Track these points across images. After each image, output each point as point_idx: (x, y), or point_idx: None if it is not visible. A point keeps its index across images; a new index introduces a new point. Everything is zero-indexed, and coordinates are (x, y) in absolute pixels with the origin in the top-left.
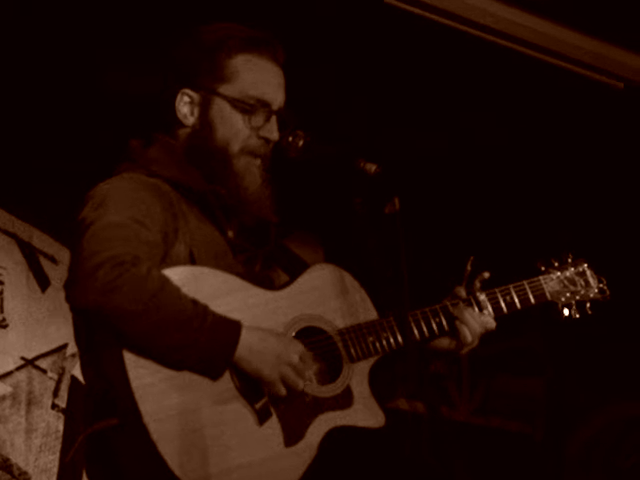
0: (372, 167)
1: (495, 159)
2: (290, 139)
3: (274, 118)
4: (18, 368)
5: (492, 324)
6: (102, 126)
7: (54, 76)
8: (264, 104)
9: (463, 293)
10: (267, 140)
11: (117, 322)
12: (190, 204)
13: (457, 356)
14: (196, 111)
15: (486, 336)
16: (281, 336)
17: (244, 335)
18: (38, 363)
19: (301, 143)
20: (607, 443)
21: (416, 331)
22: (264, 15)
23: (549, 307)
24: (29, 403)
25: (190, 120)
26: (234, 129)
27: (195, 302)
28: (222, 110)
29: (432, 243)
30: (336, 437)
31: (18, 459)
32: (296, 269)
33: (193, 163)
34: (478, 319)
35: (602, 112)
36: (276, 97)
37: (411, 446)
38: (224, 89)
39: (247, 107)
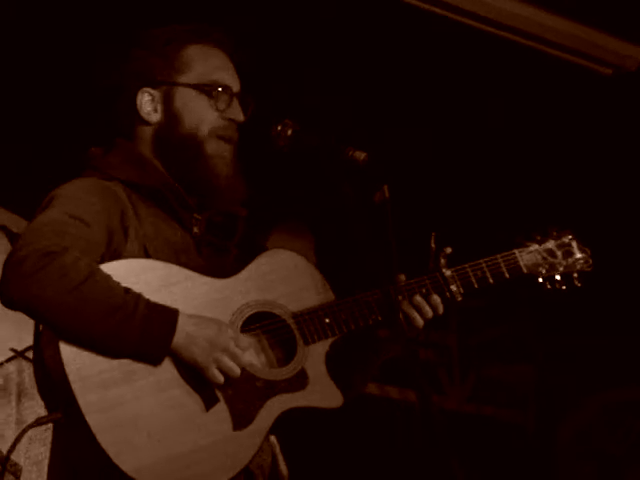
0: (361, 155)
1: (483, 145)
2: (279, 128)
3: (236, 100)
4: (8, 360)
5: (440, 310)
6: (89, 117)
7: (38, 71)
8: (225, 87)
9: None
10: (233, 122)
11: (44, 314)
12: (149, 203)
13: (408, 339)
14: (159, 107)
15: (477, 323)
16: (215, 322)
17: (180, 322)
18: (28, 355)
19: (289, 132)
20: (599, 429)
21: (369, 311)
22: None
23: (534, 283)
24: (19, 395)
25: (155, 117)
26: (201, 114)
27: (127, 290)
28: (186, 98)
29: (421, 230)
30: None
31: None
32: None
33: (163, 158)
34: (424, 307)
35: (590, 99)
36: (233, 80)
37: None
38: (183, 79)
39: (209, 90)
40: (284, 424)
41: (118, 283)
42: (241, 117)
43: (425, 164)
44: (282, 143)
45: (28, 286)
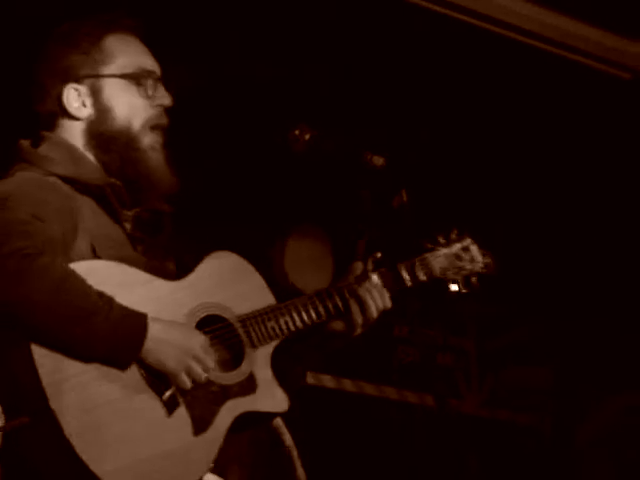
0: (379, 160)
1: (501, 149)
2: (296, 133)
3: (161, 85)
4: None
5: (388, 304)
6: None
7: None
8: (150, 72)
9: (358, 272)
10: (162, 107)
11: (24, 313)
12: (87, 199)
13: (350, 339)
14: (88, 101)
15: (493, 327)
16: (184, 327)
17: (150, 327)
18: None
19: (307, 137)
20: (618, 433)
21: (313, 313)
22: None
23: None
24: None
25: (84, 111)
26: (131, 104)
27: (101, 294)
28: (113, 89)
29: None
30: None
31: None
32: (188, 259)
33: (96, 153)
34: (378, 299)
35: (609, 103)
36: (155, 64)
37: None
38: (108, 70)
39: (136, 77)
40: (301, 428)
41: (90, 286)
42: (169, 101)
43: (443, 168)
44: (299, 148)
45: (13, 285)
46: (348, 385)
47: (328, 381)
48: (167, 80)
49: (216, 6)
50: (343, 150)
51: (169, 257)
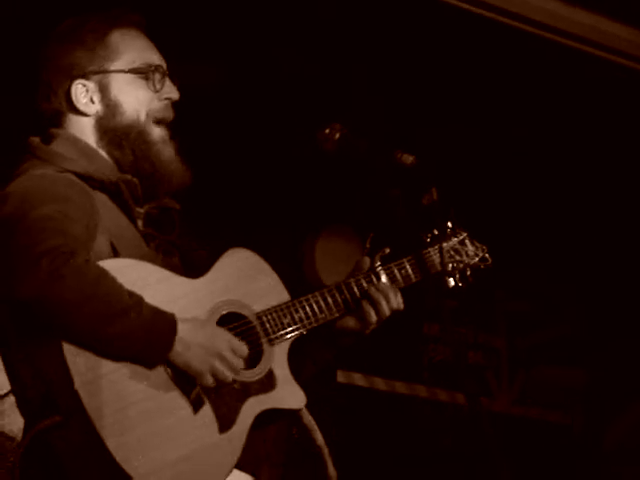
0: (409, 158)
1: (532, 151)
2: (327, 132)
3: (168, 79)
4: None
5: (401, 305)
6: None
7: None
8: (157, 66)
9: (365, 267)
10: (169, 100)
11: (59, 312)
12: (101, 195)
13: (363, 336)
14: (96, 97)
15: (526, 326)
16: (210, 326)
17: (178, 327)
18: None
19: (337, 136)
20: None
21: (325, 309)
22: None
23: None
24: None
25: (92, 107)
26: (139, 97)
27: (131, 293)
28: (122, 84)
29: (470, 230)
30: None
31: None
32: (194, 256)
33: (109, 149)
34: (393, 300)
35: (632, 99)
36: (161, 59)
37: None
38: (115, 65)
39: (144, 72)
40: (332, 427)
41: (121, 285)
42: (176, 94)
43: (474, 165)
44: (329, 146)
45: (50, 283)
46: (379, 383)
47: (359, 379)
48: (190, 75)
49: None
50: (373, 149)
51: (175, 253)
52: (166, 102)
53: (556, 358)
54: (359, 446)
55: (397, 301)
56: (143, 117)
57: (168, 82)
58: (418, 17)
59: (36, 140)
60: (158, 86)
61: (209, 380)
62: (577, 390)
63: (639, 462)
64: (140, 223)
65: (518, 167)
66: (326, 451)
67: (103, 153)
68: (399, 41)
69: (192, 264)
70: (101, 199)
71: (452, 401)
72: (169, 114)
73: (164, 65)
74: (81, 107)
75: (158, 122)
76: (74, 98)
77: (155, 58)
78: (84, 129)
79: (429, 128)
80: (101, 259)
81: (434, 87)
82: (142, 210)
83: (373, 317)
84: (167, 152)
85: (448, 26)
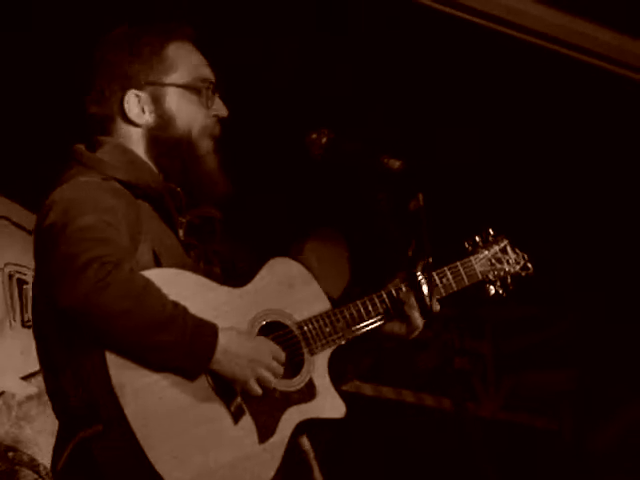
0: (396, 163)
1: (519, 151)
2: (314, 136)
3: (217, 95)
4: None
5: (437, 307)
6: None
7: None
8: (209, 83)
9: (405, 275)
10: (217, 117)
11: (104, 321)
12: (144, 204)
13: (406, 340)
14: (147, 107)
15: (511, 331)
16: (251, 336)
17: (220, 337)
18: None
19: (324, 140)
20: (638, 437)
21: (367, 318)
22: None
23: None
24: None
25: (144, 118)
26: (193, 113)
27: (175, 303)
28: (175, 98)
29: (456, 237)
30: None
31: (44, 459)
32: (233, 265)
33: (156, 159)
34: (435, 305)
35: (623, 105)
36: (212, 75)
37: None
38: (171, 79)
39: (198, 89)
40: (319, 431)
41: (166, 295)
42: (225, 112)
43: (460, 171)
44: (317, 151)
45: (96, 292)
46: (367, 390)
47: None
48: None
49: (232, 9)
50: (360, 153)
51: (215, 262)
52: (214, 119)
53: (543, 363)
54: (344, 451)
55: (435, 309)
56: (195, 132)
57: (218, 99)
58: (409, 23)
59: (81, 147)
60: (210, 103)
61: (254, 386)
62: (565, 395)
63: (630, 466)
64: (181, 232)
65: (507, 170)
66: (312, 455)
67: (150, 163)
68: (388, 45)
69: (233, 273)
70: (144, 207)
71: (438, 406)
72: (217, 130)
73: (214, 80)
74: (132, 116)
75: (209, 137)
76: (126, 107)
77: (208, 73)
78: (133, 138)
79: (421, 132)
80: (144, 268)
81: (425, 91)
82: (184, 219)
83: (419, 321)
84: (212, 163)
85: (434, 30)
